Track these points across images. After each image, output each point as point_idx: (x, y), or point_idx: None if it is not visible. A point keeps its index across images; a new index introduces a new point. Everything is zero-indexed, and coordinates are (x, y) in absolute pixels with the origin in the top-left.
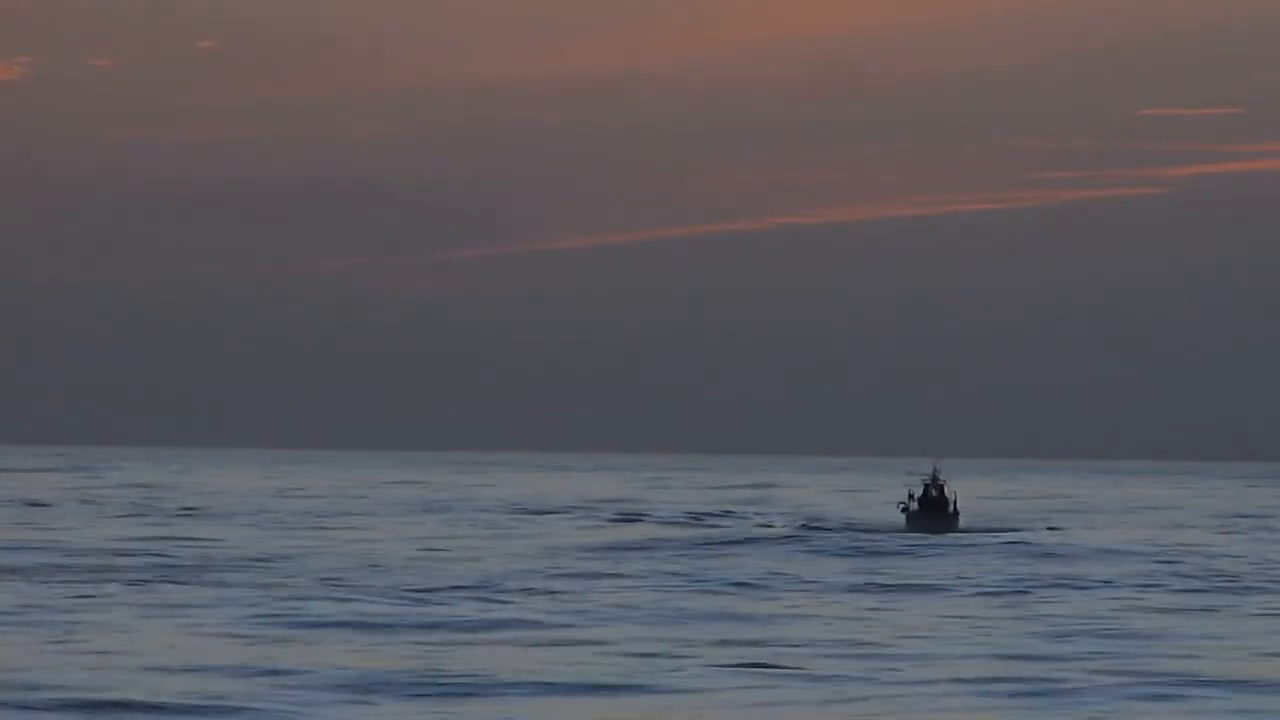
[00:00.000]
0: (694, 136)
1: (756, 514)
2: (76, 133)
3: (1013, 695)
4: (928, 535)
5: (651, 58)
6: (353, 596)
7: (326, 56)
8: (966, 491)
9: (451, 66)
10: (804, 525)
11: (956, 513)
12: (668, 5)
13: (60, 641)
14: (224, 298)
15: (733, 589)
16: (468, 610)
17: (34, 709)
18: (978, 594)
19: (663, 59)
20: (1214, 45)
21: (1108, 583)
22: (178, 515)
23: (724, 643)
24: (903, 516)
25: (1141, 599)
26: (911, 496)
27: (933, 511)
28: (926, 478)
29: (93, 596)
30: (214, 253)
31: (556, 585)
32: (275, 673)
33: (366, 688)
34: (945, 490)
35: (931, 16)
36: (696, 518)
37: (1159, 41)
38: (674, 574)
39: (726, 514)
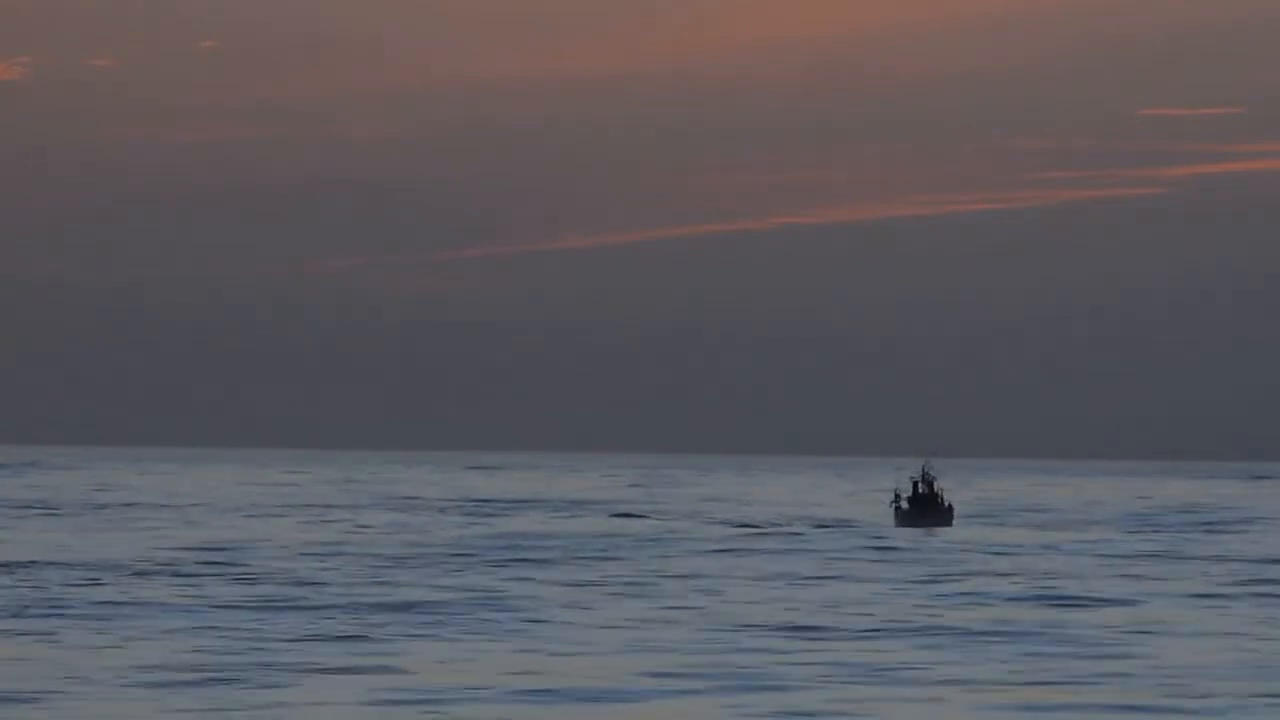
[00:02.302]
0: (694, 136)
1: (717, 513)
2: (76, 133)
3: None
4: (919, 531)
5: (652, 58)
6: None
7: (327, 56)
8: (972, 490)
9: (451, 66)
10: (786, 524)
11: (950, 509)
12: (668, 5)
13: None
14: (224, 298)
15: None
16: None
17: None
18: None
19: (663, 59)
20: (1214, 45)
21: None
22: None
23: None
24: (892, 515)
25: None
26: (898, 496)
27: (924, 509)
28: (916, 475)
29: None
30: (214, 253)
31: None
32: None
33: None
34: (935, 487)
35: (931, 16)
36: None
37: (1159, 41)
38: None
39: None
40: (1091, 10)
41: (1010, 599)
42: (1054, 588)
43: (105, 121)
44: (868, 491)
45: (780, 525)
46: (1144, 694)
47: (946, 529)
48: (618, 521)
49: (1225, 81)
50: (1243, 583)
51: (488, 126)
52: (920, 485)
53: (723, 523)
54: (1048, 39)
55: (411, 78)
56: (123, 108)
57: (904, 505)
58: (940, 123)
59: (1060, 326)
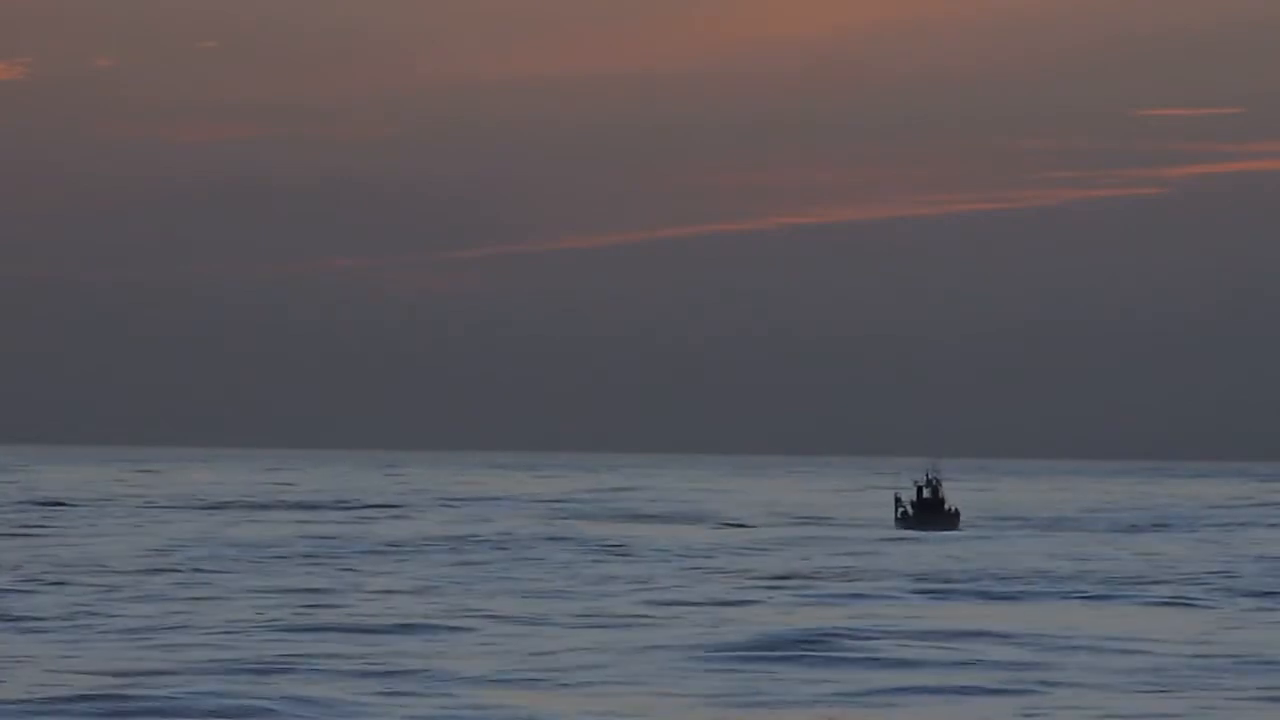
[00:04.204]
0: (694, 136)
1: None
2: (76, 133)
3: None
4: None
5: (652, 57)
6: None
7: (327, 56)
8: (973, 492)
9: (452, 66)
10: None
11: (956, 513)
12: (670, 5)
13: None
14: (224, 298)
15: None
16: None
17: None
18: None
19: (664, 58)
20: (1214, 45)
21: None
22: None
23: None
24: (896, 522)
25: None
26: (899, 500)
27: (929, 513)
28: (919, 479)
29: None
30: (214, 253)
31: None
32: None
33: None
34: (939, 491)
35: (931, 16)
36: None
37: (1159, 41)
38: None
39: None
40: (1091, 10)
41: (1010, 600)
42: (1055, 589)
43: (105, 121)
44: (867, 491)
45: (776, 525)
46: (1140, 696)
47: (952, 533)
48: (614, 522)
49: (1225, 81)
50: (1241, 582)
51: (488, 126)
52: (925, 489)
53: (716, 523)
54: (1048, 39)
55: (412, 77)
56: (123, 108)
57: (908, 510)
58: (940, 123)
59: (1060, 326)
